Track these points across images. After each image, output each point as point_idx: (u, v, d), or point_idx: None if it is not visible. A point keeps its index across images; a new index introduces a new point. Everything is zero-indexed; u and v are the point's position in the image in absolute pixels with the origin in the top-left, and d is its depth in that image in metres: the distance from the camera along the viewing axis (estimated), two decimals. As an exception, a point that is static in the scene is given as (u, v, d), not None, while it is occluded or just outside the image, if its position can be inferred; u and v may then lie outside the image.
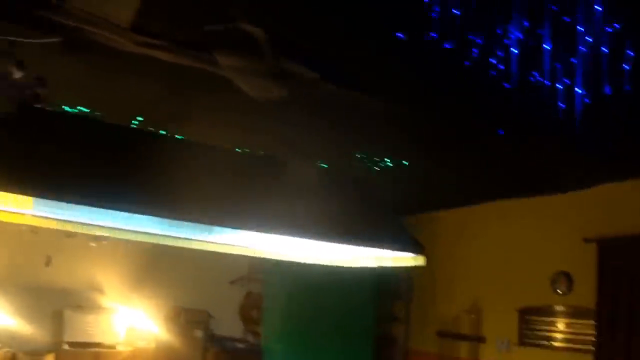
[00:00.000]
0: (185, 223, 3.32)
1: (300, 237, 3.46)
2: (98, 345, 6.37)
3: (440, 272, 7.01)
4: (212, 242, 4.02)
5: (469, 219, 6.87)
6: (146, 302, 6.82)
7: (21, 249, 6.41)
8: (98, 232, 3.90)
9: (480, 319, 6.50)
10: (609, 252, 5.32)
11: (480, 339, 6.47)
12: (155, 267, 6.88)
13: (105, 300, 6.63)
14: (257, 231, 3.34)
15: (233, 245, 4.11)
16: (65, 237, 6.47)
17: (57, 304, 6.42)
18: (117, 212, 3.05)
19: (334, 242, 3.60)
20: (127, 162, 3.16)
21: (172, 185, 3.10)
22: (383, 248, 3.83)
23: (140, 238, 4.11)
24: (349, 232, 3.54)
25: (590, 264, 5.37)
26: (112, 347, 6.46)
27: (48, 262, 6.51)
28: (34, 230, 6.26)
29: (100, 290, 6.68)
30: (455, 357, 6.70)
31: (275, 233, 3.38)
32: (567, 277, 5.72)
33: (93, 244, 6.63)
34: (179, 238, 3.93)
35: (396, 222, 4.26)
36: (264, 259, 6.72)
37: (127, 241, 6.45)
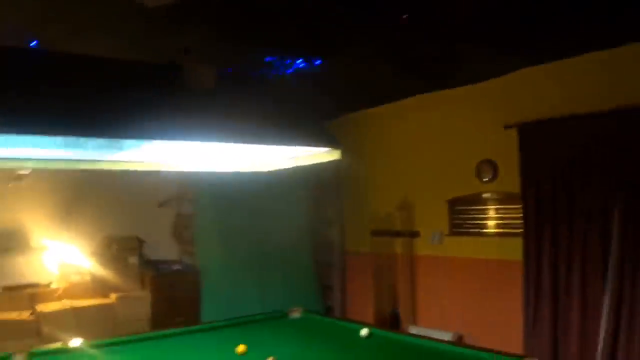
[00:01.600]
0: (94, 142, 3.22)
1: (212, 141, 3.41)
2: (33, 285, 6.30)
3: (369, 172, 7.09)
4: (124, 161, 3.98)
5: (392, 116, 6.90)
6: (76, 236, 6.70)
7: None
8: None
9: (412, 214, 6.64)
10: (528, 136, 5.43)
11: (413, 234, 6.63)
12: (80, 200, 6.75)
13: (34, 240, 6.45)
14: (168, 140, 3.29)
15: (146, 162, 4.09)
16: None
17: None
18: (22, 139, 2.94)
19: (247, 143, 3.56)
20: (23, 85, 3.05)
21: (76, 103, 3.04)
22: (297, 145, 3.79)
23: (50, 165, 4.02)
24: (261, 132, 3.50)
25: (512, 150, 5.47)
26: (47, 285, 6.39)
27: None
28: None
29: (27, 230, 6.48)
30: (391, 254, 6.86)
31: (186, 140, 3.32)
32: (492, 165, 5.85)
33: (11, 185, 6.44)
34: (89, 160, 3.89)
35: (309, 121, 4.22)
36: (191, 178, 6.75)
37: (47, 177, 6.37)
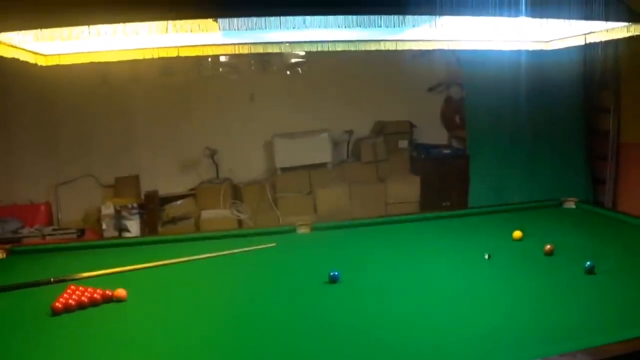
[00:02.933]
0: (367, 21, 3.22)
1: (491, 15, 3.14)
2: (310, 166, 6.79)
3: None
4: (403, 40, 3.96)
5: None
6: (350, 122, 7.02)
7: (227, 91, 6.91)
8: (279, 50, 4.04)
9: None
10: None
11: None
12: (352, 88, 7.03)
13: (311, 125, 6.87)
14: (451, 15, 3.05)
15: (420, 40, 3.99)
16: (262, 73, 6.87)
17: (267, 134, 6.86)
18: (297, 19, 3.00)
19: (530, 17, 3.28)
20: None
21: None
22: (591, 19, 3.42)
23: (331, 47, 4.18)
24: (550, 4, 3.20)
25: None
26: (322, 165, 6.81)
27: (252, 98, 6.93)
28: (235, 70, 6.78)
29: (304, 117, 6.92)
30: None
31: (472, 14, 3.07)
32: None
33: (289, 72, 6.92)
34: (361, 41, 3.92)
35: None
36: (461, 61, 6.60)
37: (321, 62, 6.71)
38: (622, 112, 6.69)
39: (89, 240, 5.14)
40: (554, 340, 1.98)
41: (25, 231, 6.20)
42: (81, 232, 6.16)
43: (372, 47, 4.10)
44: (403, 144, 6.95)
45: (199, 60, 6.62)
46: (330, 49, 4.35)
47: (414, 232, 3.75)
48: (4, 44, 2.84)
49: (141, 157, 6.82)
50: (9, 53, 3.28)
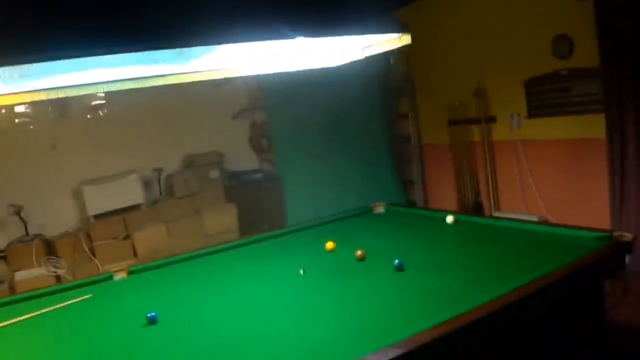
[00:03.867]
0: (160, 55, 3.28)
1: (278, 38, 3.31)
2: (122, 210, 6.66)
3: (439, 61, 6.95)
4: (191, 72, 4.06)
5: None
6: (159, 159, 7.02)
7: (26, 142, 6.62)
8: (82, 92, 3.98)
9: (487, 99, 6.53)
10: (606, 9, 5.13)
11: (490, 120, 6.55)
12: (156, 124, 7.06)
13: (119, 167, 6.77)
14: (233, 42, 3.21)
15: (214, 70, 4.12)
16: (62, 119, 6.65)
17: (74, 182, 6.69)
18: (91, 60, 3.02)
19: (314, 36, 3.50)
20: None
21: (133, 14, 2.94)
22: (367, 33, 3.75)
23: (123, 86, 4.16)
24: (328, 23, 3.46)
25: (588, 23, 5.23)
26: (136, 206, 6.74)
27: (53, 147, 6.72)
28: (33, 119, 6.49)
29: (113, 157, 6.81)
30: (469, 143, 6.82)
31: (250, 40, 3.26)
32: (568, 40, 5.60)
33: (88, 116, 6.77)
34: (158, 76, 3.98)
35: (376, 8, 4.13)
36: (261, 85, 6.85)
37: (120, 103, 6.63)
38: (420, 117, 7.35)
39: None
40: (367, 340, 2.20)
41: None
42: None
43: (169, 80, 4.19)
44: (214, 174, 7.06)
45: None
46: (122, 88, 4.37)
47: (232, 259, 3.97)
48: None
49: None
50: None
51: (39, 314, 3.15)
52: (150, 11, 3.05)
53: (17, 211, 6.34)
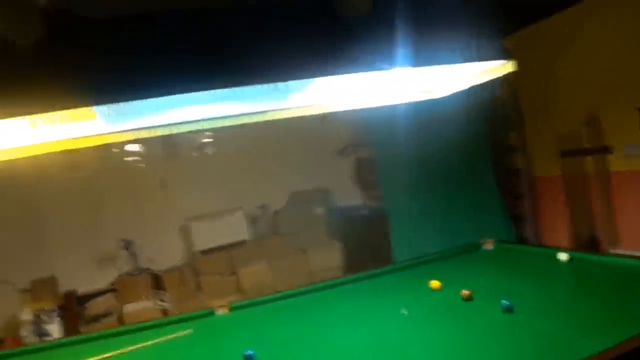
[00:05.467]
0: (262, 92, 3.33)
1: (381, 69, 3.32)
2: (228, 245, 6.81)
3: (548, 90, 6.70)
4: (290, 108, 4.13)
5: (566, 25, 6.39)
6: (265, 195, 7.15)
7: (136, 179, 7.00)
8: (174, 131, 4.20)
9: (600, 128, 6.19)
10: None
11: (605, 150, 6.19)
12: (262, 161, 7.22)
13: (225, 204, 6.95)
14: (335, 74, 3.25)
15: (314, 105, 4.20)
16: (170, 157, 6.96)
17: (182, 218, 6.93)
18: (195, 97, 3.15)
19: (418, 66, 3.45)
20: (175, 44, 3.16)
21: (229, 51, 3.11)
22: (472, 61, 3.68)
23: (219, 124, 4.32)
24: (432, 53, 3.42)
25: None
26: (241, 242, 6.87)
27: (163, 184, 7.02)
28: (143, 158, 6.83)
29: (218, 196, 7.01)
30: (584, 175, 6.49)
31: (355, 71, 3.29)
32: (688, 62, 5.26)
33: (195, 154, 7.03)
34: (260, 112, 4.09)
35: (481, 36, 4.05)
36: (364, 122, 6.86)
37: (227, 141, 6.85)
38: (530, 149, 7.09)
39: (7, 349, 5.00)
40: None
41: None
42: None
43: (276, 115, 4.28)
44: (319, 211, 7.11)
45: (104, 152, 6.68)
46: (232, 124, 4.51)
47: (335, 298, 3.88)
48: None
49: (56, 257, 6.72)
50: None
51: (142, 347, 3.26)
52: (241, 47, 3.15)
53: (127, 246, 6.64)
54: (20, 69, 2.83)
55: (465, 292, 3.25)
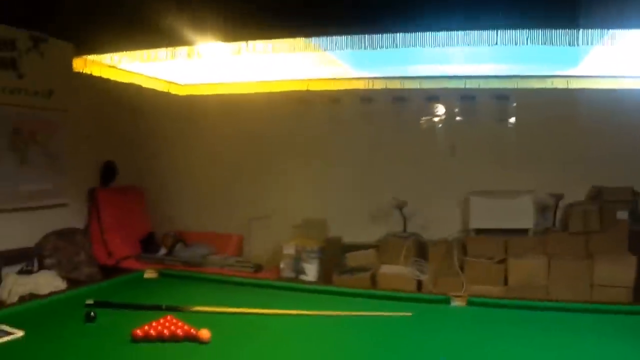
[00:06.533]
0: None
1: None
2: (507, 230, 6.22)
3: None
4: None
5: None
6: (559, 185, 6.35)
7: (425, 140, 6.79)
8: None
9: None
10: None
11: None
12: (565, 145, 6.42)
13: (514, 184, 6.37)
14: None
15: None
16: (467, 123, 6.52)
17: (463, 191, 6.51)
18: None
19: None
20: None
21: None
22: None
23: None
24: None
25: None
26: (522, 231, 6.24)
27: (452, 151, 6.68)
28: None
29: (507, 174, 6.47)
30: None
31: None
32: None
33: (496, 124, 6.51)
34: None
35: None
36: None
37: (532, 117, 6.18)
38: None
39: (240, 277, 4.99)
40: None
41: (211, 258, 6.54)
42: (258, 268, 6.31)
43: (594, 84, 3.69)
44: (623, 215, 6.04)
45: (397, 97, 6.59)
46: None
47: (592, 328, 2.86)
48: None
49: (330, 202, 6.86)
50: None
51: (356, 315, 3.11)
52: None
53: (399, 205, 6.42)
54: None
55: None
